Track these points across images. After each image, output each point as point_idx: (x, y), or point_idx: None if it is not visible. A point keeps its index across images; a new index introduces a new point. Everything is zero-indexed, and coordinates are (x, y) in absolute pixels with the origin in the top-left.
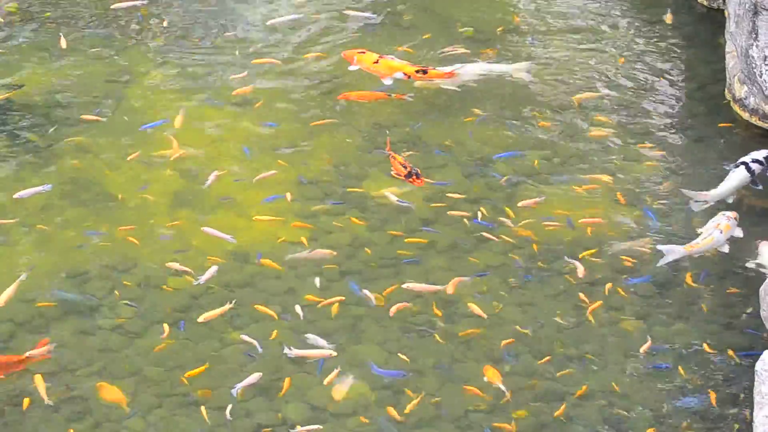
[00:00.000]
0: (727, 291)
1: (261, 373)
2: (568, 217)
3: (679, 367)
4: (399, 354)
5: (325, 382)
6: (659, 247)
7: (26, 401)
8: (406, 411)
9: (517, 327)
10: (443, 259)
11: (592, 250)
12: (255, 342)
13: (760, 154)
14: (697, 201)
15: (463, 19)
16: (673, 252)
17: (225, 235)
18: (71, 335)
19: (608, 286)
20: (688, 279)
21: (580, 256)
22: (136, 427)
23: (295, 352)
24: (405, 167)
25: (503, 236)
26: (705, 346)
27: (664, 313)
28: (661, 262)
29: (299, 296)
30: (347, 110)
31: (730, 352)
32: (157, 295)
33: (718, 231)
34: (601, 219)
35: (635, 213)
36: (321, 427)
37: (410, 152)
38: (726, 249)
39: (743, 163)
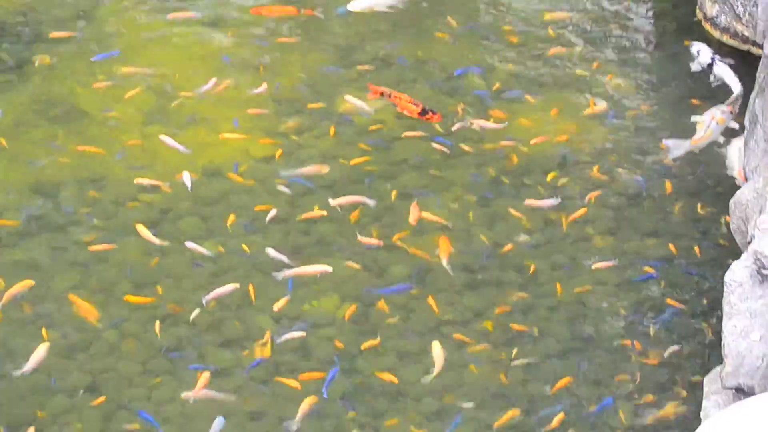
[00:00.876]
0: (698, 207)
1: (236, 285)
2: (535, 134)
3: (649, 281)
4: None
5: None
6: (665, 141)
7: None
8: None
9: (484, 238)
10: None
11: (559, 168)
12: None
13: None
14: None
15: None
16: (679, 146)
17: (180, 146)
18: (44, 251)
19: (577, 202)
20: (657, 192)
21: (549, 174)
22: (110, 338)
23: (287, 272)
24: (416, 105)
25: (472, 152)
26: (675, 257)
27: (633, 228)
28: (670, 157)
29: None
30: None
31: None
32: (127, 210)
33: (714, 123)
34: (569, 135)
35: (604, 129)
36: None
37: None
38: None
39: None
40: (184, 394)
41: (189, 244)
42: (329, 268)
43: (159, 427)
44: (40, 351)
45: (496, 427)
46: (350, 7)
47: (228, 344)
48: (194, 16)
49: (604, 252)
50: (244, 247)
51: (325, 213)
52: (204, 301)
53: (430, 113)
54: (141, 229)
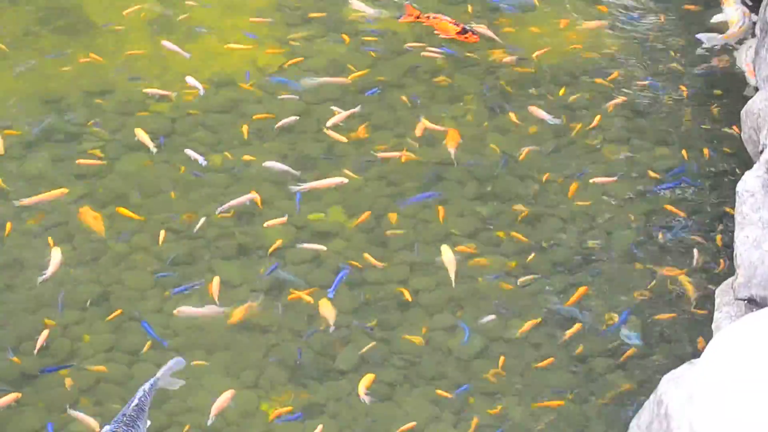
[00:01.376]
0: (710, 113)
1: (255, 195)
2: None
3: (660, 193)
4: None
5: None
6: (697, 36)
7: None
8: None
9: (494, 148)
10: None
11: (570, 78)
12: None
13: None
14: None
15: None
16: (712, 39)
17: (182, 51)
18: (50, 161)
19: (588, 111)
20: (668, 101)
21: (560, 90)
22: (119, 249)
23: (302, 186)
24: (456, 24)
25: (483, 63)
26: (686, 165)
27: (644, 138)
28: (702, 47)
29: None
30: None
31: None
32: (135, 120)
33: (746, 18)
34: (582, 45)
35: (619, 41)
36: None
37: None
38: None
39: None
40: (180, 310)
41: (188, 152)
42: (344, 180)
43: (164, 342)
44: (56, 257)
45: (509, 338)
46: None
47: (237, 256)
48: None
49: (615, 163)
50: (249, 158)
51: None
52: (218, 211)
53: (470, 33)
54: (139, 133)
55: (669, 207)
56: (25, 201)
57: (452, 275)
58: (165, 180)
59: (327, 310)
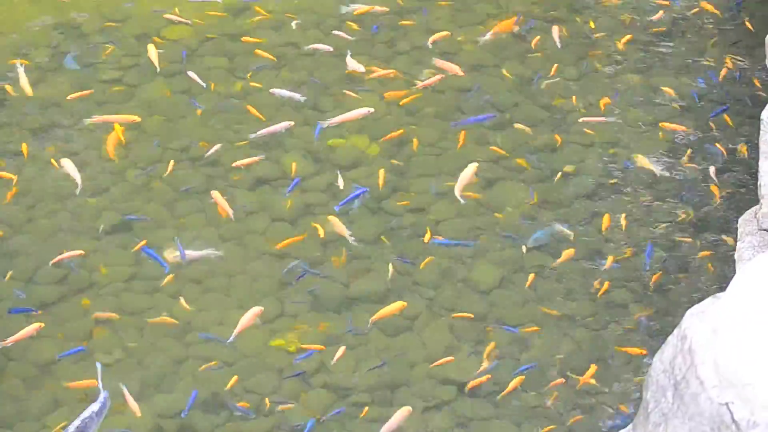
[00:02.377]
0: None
1: (292, 122)
2: None
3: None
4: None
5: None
6: None
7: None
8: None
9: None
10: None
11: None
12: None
13: None
14: None
15: None
16: None
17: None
18: (68, 89)
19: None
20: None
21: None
22: (135, 180)
23: (330, 121)
24: None
25: None
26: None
27: (666, 66)
28: None
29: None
30: None
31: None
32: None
33: None
34: None
35: None
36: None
37: None
38: None
39: None
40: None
41: (191, 74)
42: (371, 109)
43: (166, 267)
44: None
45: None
46: None
47: (259, 184)
48: None
49: (637, 90)
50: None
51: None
52: (251, 137)
53: None
54: (151, 49)
55: (690, 134)
56: (95, 119)
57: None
58: (184, 107)
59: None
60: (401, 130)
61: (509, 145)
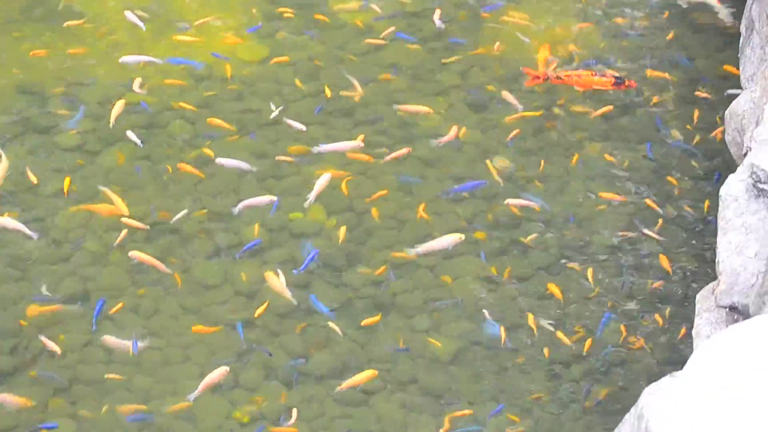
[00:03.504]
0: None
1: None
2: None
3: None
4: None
5: None
6: None
7: None
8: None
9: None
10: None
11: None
12: None
13: None
14: None
15: None
16: None
17: (140, 23)
18: (29, 155)
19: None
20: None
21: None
22: (95, 249)
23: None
24: (605, 76)
25: (467, 54)
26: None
27: (624, 138)
28: None
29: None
30: None
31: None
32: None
33: None
34: (565, 35)
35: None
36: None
37: None
38: None
39: None
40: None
41: (129, 133)
42: (360, 144)
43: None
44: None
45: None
46: None
47: (216, 254)
48: None
49: (594, 161)
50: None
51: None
52: (234, 210)
53: (625, 81)
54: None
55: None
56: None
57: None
58: (147, 173)
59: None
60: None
61: (469, 215)
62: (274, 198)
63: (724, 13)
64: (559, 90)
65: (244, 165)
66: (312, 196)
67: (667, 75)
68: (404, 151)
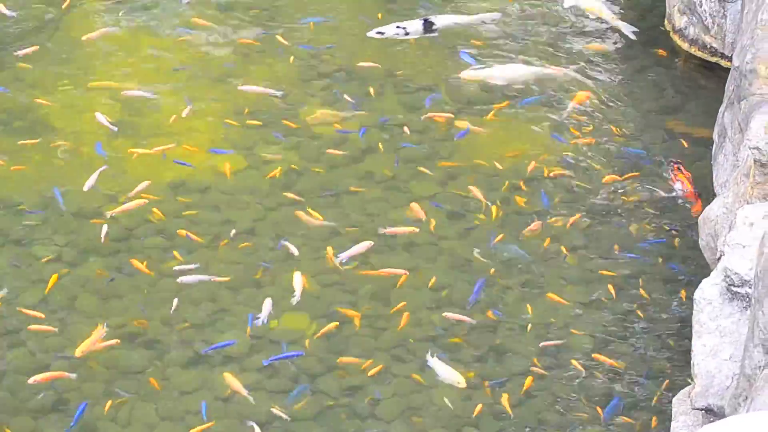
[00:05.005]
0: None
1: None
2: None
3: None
4: None
5: None
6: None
7: None
8: None
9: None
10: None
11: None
12: None
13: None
14: None
15: None
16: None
17: (110, 125)
18: (5, 266)
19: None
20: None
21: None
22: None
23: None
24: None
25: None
26: (641, 281)
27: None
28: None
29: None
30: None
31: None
32: (90, 226)
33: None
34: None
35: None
36: None
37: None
38: None
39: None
40: None
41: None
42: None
43: None
44: None
45: None
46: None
47: (194, 364)
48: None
49: (573, 270)
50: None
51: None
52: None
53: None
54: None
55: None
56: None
57: None
58: (123, 286)
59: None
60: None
61: (446, 323)
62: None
63: None
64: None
65: (204, 277)
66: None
67: None
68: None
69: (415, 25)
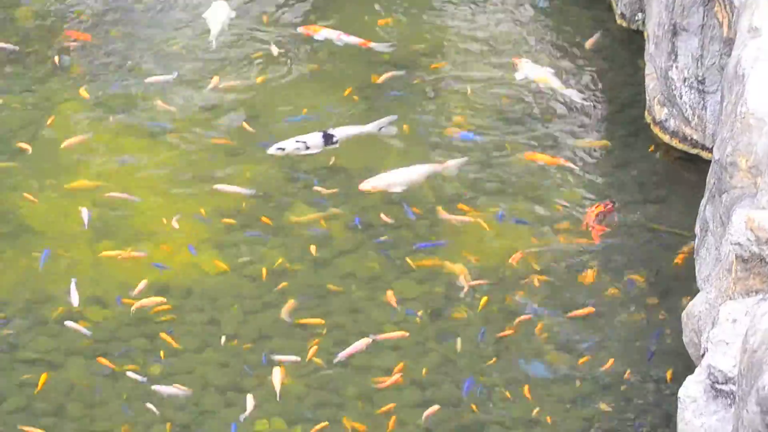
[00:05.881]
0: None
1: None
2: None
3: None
4: None
5: None
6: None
7: None
8: None
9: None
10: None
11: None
12: None
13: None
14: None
15: None
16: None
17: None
18: None
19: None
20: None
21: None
22: None
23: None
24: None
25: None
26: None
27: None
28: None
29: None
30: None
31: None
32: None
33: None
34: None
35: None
36: None
37: None
38: None
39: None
40: None
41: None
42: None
43: None
44: None
45: None
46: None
47: None
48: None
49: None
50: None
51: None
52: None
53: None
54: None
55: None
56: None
57: None
58: (108, 390)
59: None
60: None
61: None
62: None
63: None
64: None
65: (180, 392)
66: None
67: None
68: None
69: (314, 139)
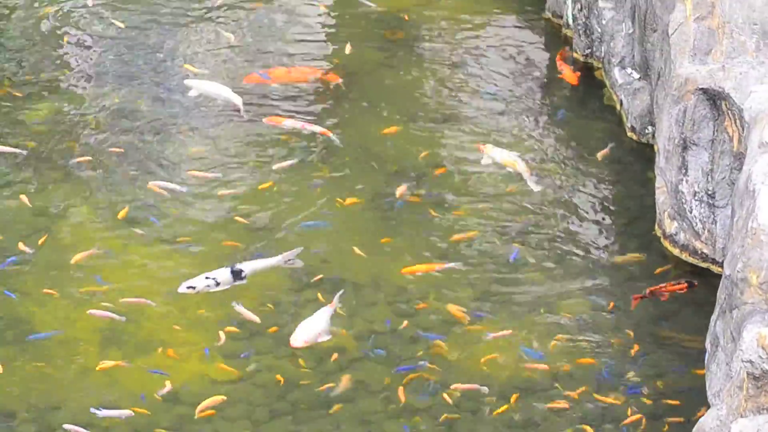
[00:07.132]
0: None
1: None
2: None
3: None
4: None
5: None
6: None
7: None
8: None
9: None
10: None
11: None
12: None
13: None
14: None
15: None
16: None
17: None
18: None
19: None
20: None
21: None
22: None
23: None
24: (679, 283)
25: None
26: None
27: None
28: None
29: None
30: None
31: None
32: None
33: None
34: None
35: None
36: None
37: None
38: None
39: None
40: None
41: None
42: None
43: None
44: None
45: None
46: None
47: None
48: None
49: None
50: None
51: None
52: None
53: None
54: None
55: None
56: None
57: None
58: None
59: None
60: None
61: None
62: None
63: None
64: None
65: None
66: None
67: None
68: None
69: (223, 275)
